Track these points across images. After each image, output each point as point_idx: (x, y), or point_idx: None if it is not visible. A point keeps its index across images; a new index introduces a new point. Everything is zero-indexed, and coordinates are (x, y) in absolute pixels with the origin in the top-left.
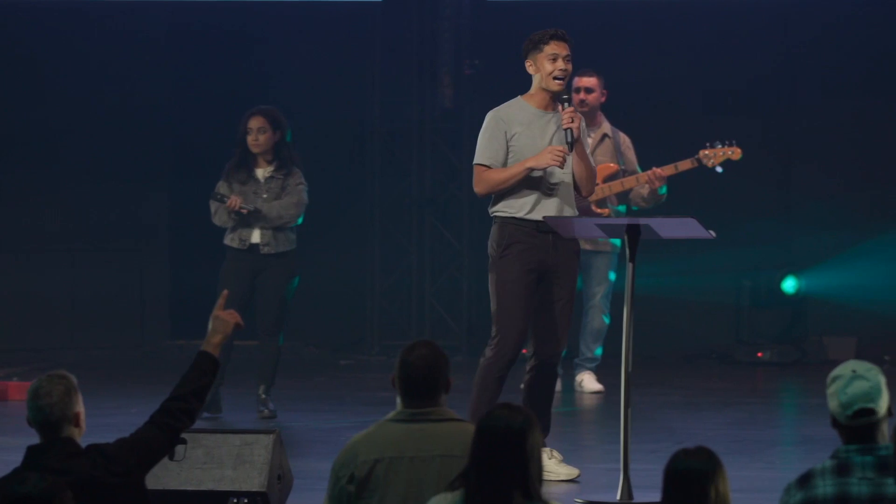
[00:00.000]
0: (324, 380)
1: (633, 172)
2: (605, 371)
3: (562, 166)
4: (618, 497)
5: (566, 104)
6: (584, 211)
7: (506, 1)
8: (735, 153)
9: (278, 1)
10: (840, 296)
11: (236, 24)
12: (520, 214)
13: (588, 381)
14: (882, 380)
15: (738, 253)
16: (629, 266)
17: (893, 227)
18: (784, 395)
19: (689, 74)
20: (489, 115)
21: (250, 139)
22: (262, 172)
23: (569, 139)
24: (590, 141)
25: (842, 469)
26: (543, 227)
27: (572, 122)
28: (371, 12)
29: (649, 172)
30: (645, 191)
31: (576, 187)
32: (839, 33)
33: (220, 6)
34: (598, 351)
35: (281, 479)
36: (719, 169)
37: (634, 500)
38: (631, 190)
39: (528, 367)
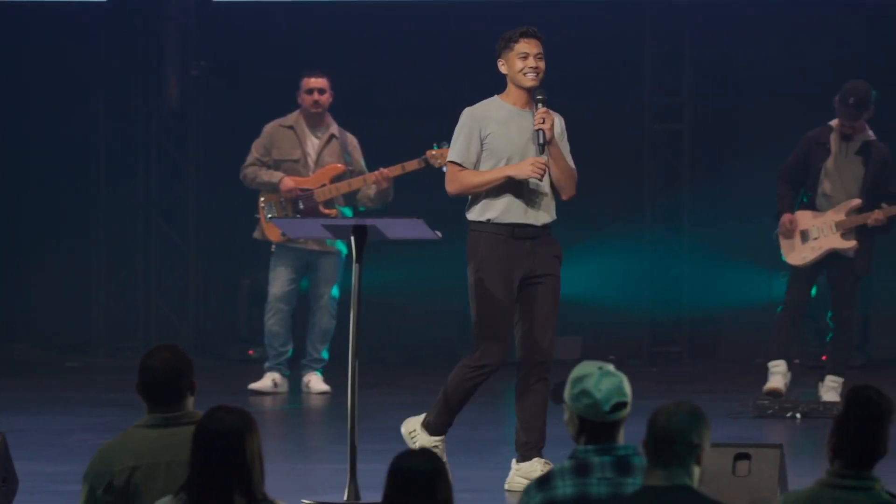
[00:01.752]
0: (50, 382)
1: (361, 173)
2: (332, 372)
3: (541, 179)
4: (345, 497)
5: (539, 104)
6: (312, 211)
7: (232, 2)
8: None
9: None
10: (565, 294)
11: None
12: (496, 219)
13: (315, 382)
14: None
15: (464, 253)
16: (355, 267)
17: (616, 224)
18: (511, 396)
19: (415, 78)
20: (465, 113)
21: None
22: None
23: (540, 141)
24: (317, 142)
25: (581, 469)
26: (520, 233)
27: (543, 122)
28: (96, 12)
29: (376, 173)
30: (372, 191)
31: (556, 190)
32: (582, 38)
33: None
34: (325, 352)
35: (5, 482)
36: (446, 169)
37: (361, 501)
38: (358, 191)
39: (518, 377)
